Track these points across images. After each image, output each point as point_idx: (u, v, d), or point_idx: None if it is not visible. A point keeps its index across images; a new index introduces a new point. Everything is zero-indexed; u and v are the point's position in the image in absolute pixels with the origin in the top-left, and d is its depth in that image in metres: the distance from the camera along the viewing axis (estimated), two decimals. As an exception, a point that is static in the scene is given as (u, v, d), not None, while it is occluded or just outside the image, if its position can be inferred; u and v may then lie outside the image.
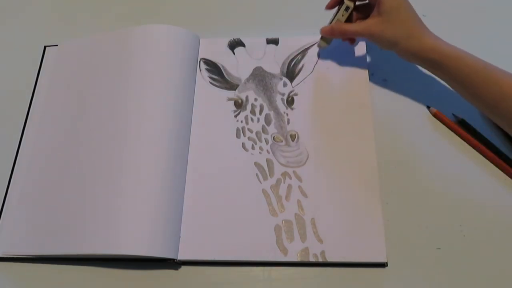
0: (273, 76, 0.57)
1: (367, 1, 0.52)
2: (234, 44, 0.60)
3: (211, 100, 0.57)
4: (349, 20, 0.53)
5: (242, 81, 0.57)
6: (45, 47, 0.64)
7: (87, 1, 0.68)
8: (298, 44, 0.59)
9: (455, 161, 0.52)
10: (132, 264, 0.49)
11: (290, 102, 0.55)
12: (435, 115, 0.54)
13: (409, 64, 0.52)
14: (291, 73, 0.57)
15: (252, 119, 0.55)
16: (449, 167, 0.51)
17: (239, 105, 0.56)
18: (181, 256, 0.48)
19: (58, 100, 0.59)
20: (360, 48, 0.58)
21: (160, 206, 0.49)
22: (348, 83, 0.56)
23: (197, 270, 0.49)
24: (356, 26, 0.52)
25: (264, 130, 0.54)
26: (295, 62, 0.58)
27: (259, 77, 0.57)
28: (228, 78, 0.58)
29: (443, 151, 0.52)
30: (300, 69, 0.57)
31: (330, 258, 0.47)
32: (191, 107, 0.56)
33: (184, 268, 0.49)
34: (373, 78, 0.57)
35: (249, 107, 0.56)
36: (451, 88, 0.50)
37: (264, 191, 0.51)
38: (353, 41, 0.56)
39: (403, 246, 0.48)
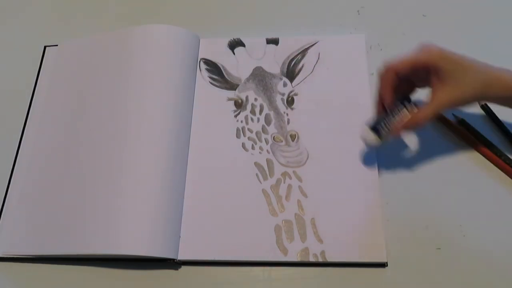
0: (273, 76, 0.57)
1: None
2: (234, 44, 0.60)
3: (211, 100, 0.57)
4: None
5: (242, 81, 0.57)
6: (45, 47, 0.64)
7: (87, 1, 0.68)
8: (298, 44, 0.59)
9: (455, 161, 0.52)
10: (132, 264, 0.49)
11: (290, 102, 0.55)
12: (435, 115, 0.54)
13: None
14: (291, 73, 0.57)
15: (252, 119, 0.55)
16: (449, 167, 0.51)
17: (239, 105, 0.56)
18: (181, 256, 0.48)
19: (58, 100, 0.59)
20: (360, 48, 0.58)
21: (160, 206, 0.49)
22: (348, 83, 0.56)
23: (197, 270, 0.49)
24: (430, 110, 0.45)
25: (264, 130, 0.54)
26: (295, 62, 0.58)
27: (259, 77, 0.57)
28: (228, 78, 0.58)
29: (443, 151, 0.52)
30: (300, 69, 0.57)
31: (330, 258, 0.47)
32: (191, 107, 0.56)
33: (184, 268, 0.49)
34: (373, 78, 0.57)
35: (249, 107, 0.56)
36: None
37: (264, 191, 0.51)
38: None
39: (403, 246, 0.48)
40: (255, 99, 0.56)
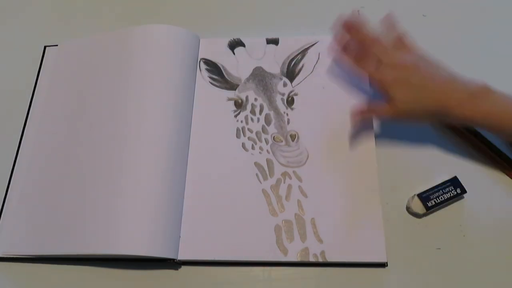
0: (273, 76, 0.57)
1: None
2: (234, 44, 0.60)
3: (211, 100, 0.57)
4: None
5: (242, 81, 0.57)
6: (45, 47, 0.64)
7: (87, 1, 0.68)
8: (298, 44, 0.59)
9: (455, 161, 0.52)
10: (132, 264, 0.49)
11: (290, 102, 0.55)
12: (435, 115, 0.54)
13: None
14: (291, 73, 0.57)
15: (252, 119, 0.55)
16: (449, 167, 0.51)
17: (239, 105, 0.56)
18: (181, 256, 0.48)
19: (58, 100, 0.59)
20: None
21: (160, 206, 0.49)
22: (348, 83, 0.56)
23: (197, 270, 0.49)
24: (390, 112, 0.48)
25: (264, 130, 0.54)
26: (295, 62, 0.58)
27: (259, 77, 0.57)
28: (228, 78, 0.58)
29: (443, 151, 0.52)
30: (300, 69, 0.57)
31: (330, 258, 0.47)
32: (191, 107, 0.56)
33: (184, 268, 0.49)
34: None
35: (249, 107, 0.56)
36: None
37: (264, 191, 0.51)
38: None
39: (403, 246, 0.48)
40: (255, 99, 0.56)
